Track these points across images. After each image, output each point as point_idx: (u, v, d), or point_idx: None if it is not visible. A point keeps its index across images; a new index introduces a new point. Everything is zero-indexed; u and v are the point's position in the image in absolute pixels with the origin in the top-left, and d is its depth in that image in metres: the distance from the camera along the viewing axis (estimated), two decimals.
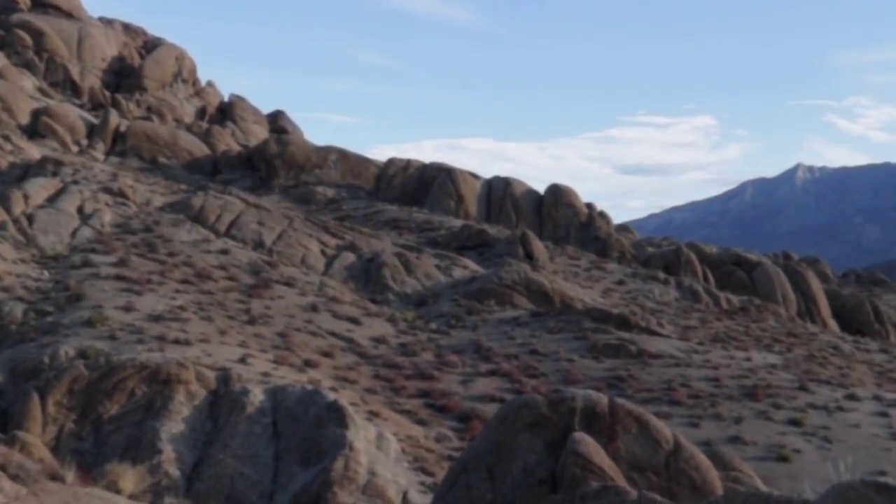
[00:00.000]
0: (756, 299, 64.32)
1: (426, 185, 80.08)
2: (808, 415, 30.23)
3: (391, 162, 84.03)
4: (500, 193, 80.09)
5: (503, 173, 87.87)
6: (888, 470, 25.50)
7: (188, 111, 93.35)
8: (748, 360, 39.21)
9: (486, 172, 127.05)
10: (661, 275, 64.36)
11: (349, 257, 51.72)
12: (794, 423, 29.25)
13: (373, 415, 26.94)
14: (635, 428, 14.18)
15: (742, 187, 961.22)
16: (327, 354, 34.48)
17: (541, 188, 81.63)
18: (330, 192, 78.19)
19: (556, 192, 79.64)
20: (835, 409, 31.46)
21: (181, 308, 35.90)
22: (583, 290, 55.95)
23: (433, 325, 42.37)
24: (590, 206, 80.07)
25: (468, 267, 54.12)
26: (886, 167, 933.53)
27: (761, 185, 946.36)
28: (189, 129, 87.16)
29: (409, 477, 21.63)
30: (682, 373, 34.90)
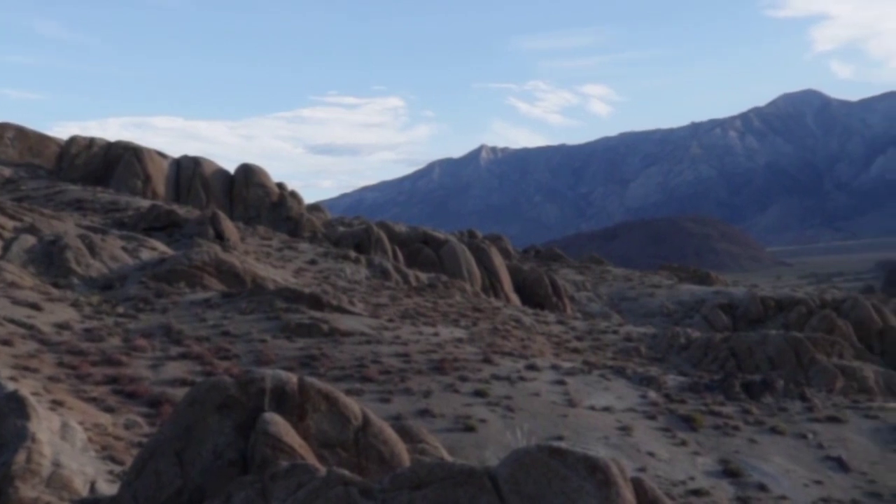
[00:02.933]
0: (444, 276, 66.30)
1: (111, 164, 77.25)
2: (492, 386, 31.51)
3: (73, 140, 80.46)
4: (189, 173, 78.42)
5: (193, 152, 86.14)
6: (566, 434, 27.02)
7: None
8: (436, 335, 40.40)
9: (176, 151, 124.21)
10: (353, 254, 65.12)
11: (29, 240, 49.09)
12: (480, 394, 30.41)
13: (57, 404, 25.75)
14: (325, 406, 14.31)
15: (430, 167, 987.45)
16: (6, 343, 32.63)
17: (232, 168, 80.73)
18: (7, 172, 73.94)
19: (247, 171, 78.89)
20: (517, 379, 32.97)
21: None
22: (275, 270, 55.75)
23: (120, 309, 40.95)
24: (281, 185, 79.84)
25: (157, 248, 52.69)
26: (563, 149, 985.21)
27: (448, 165, 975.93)
28: None
29: (96, 466, 20.87)
30: (374, 349, 35.50)
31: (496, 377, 32.79)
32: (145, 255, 51.06)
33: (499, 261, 76.79)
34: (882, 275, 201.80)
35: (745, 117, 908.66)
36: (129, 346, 34.55)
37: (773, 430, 30.67)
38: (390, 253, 70.57)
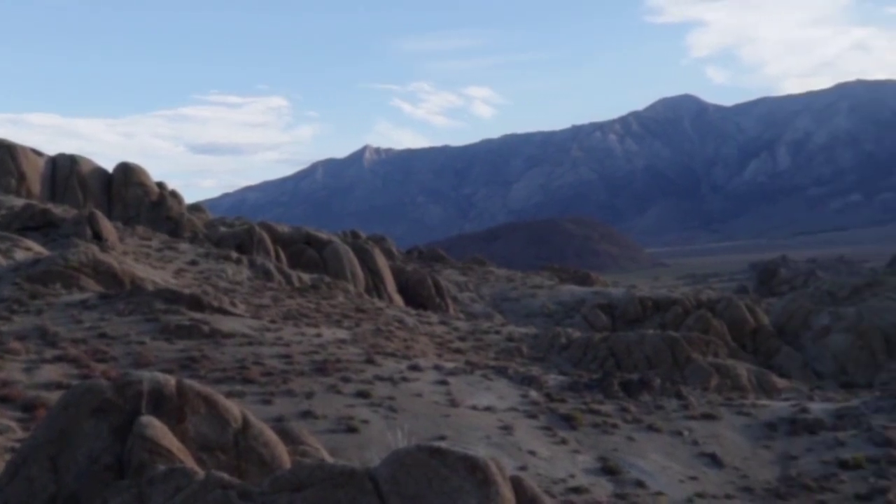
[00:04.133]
0: (327, 277, 66.04)
1: None
2: (374, 386, 31.49)
3: None
4: (65, 171, 76.61)
5: (71, 150, 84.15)
6: (448, 434, 27.16)
7: None
8: (319, 336, 40.20)
9: (52, 149, 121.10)
10: (234, 254, 64.40)
11: None
12: (362, 395, 30.36)
13: None
14: (204, 408, 14.13)
15: (313, 168, 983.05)
16: None
17: (111, 166, 79.14)
18: None
19: (126, 170, 77.41)
20: (399, 379, 33.02)
21: None
22: (154, 270, 54.79)
23: None
24: (161, 185, 78.55)
25: (31, 249, 51.31)
26: (446, 150, 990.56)
27: (332, 165, 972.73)
28: None
29: None
30: (255, 351, 35.16)
31: (379, 378, 32.78)
32: (19, 255, 49.69)
33: (382, 261, 76.81)
34: (755, 275, 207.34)
35: (624, 121, 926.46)
36: (2, 348, 33.58)
37: (650, 428, 31.30)
38: (273, 254, 69.99)
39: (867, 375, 60.68)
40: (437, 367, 36.04)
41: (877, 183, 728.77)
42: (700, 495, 26.26)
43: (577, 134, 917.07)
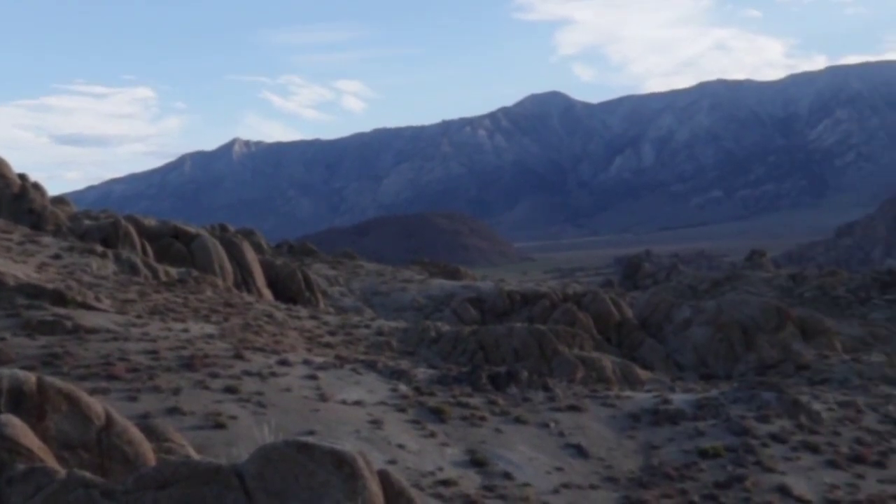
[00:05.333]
0: (195, 271, 65.01)
1: None
2: (243, 382, 31.20)
3: None
4: None
5: None
6: (317, 429, 27.08)
7: None
8: (186, 331, 39.64)
9: None
10: (99, 248, 62.87)
11: None
12: (230, 390, 30.04)
13: None
14: (66, 406, 13.86)
15: (181, 160, 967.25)
16: None
17: None
18: None
19: None
20: (268, 374, 32.77)
21: None
22: (16, 265, 53.16)
23: None
24: (23, 177, 76.16)
25: None
26: (317, 143, 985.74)
27: (200, 158, 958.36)
28: None
29: None
30: (121, 347, 34.47)
31: (247, 373, 32.49)
32: None
33: (251, 255, 75.96)
34: (620, 270, 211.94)
35: (493, 116, 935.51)
36: None
37: (518, 420, 31.74)
38: (139, 247, 68.58)
39: (726, 367, 62.60)
40: (306, 362, 35.90)
41: (736, 180, 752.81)
42: (566, 486, 26.76)
43: (447, 129, 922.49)
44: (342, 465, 11.63)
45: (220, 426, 26.58)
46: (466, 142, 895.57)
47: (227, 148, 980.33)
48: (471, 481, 26.01)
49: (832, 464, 30.09)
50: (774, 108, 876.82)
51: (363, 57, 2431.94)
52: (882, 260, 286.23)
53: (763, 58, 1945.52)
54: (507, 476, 26.75)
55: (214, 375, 31.67)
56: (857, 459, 30.61)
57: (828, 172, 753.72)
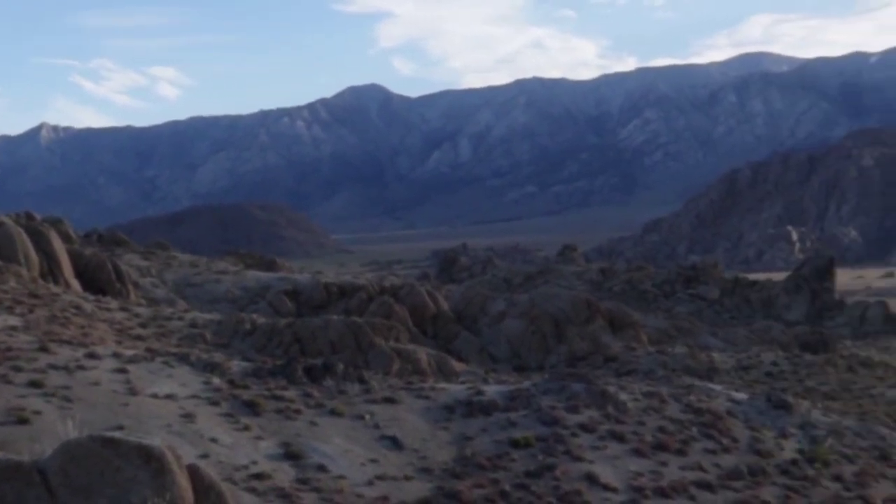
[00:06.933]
0: None
1: None
2: (48, 375, 30.15)
3: None
4: None
5: None
6: (126, 424, 26.39)
7: None
8: None
9: None
10: None
11: None
12: (35, 384, 28.99)
13: None
14: None
15: None
16: None
17: None
18: None
19: None
20: (75, 368, 31.76)
21: None
22: None
23: None
24: None
25: None
26: (129, 130, 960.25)
27: (5, 143, 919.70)
28: None
29: None
30: None
31: (53, 367, 31.41)
32: None
33: (58, 245, 73.35)
34: (436, 263, 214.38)
35: (312, 107, 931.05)
36: None
37: (333, 413, 31.69)
38: None
39: (538, 359, 64.14)
40: (116, 355, 34.94)
41: (550, 175, 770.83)
42: (380, 477, 26.89)
43: (264, 119, 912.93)
44: (150, 459, 11.38)
45: (23, 421, 25.62)
46: (284, 132, 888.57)
47: (34, 133, 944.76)
48: (285, 474, 25.85)
49: (637, 452, 31.14)
50: (587, 107, 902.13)
51: (179, 43, 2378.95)
52: (686, 256, 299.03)
53: (577, 57, 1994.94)
54: (322, 469, 26.70)
55: (18, 369, 30.50)
56: (661, 447, 31.77)
57: (637, 170, 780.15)
